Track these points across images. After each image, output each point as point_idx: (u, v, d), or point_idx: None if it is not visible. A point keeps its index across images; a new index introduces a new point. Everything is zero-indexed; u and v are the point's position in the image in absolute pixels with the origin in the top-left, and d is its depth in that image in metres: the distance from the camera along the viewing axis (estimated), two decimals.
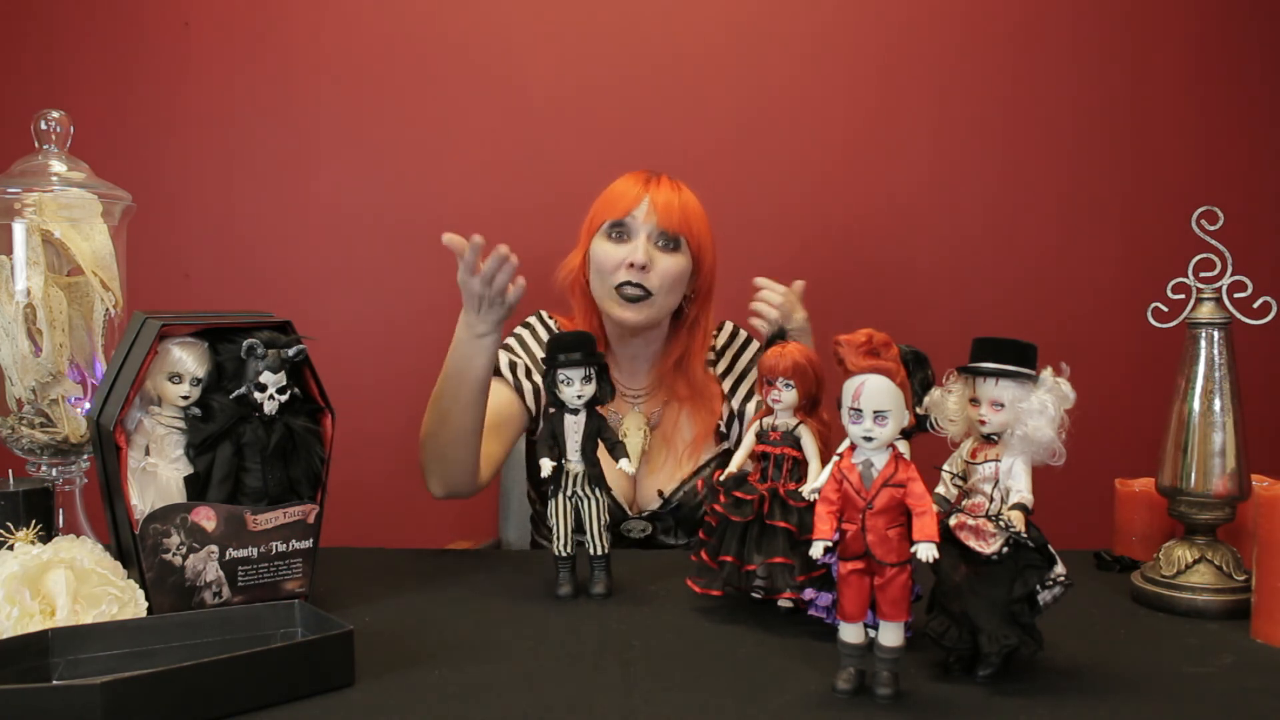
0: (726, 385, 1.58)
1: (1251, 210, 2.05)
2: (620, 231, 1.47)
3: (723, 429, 1.56)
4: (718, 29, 2.06)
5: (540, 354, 1.57)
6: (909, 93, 2.07)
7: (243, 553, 1.02)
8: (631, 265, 1.44)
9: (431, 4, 2.05)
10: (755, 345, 1.63)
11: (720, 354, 1.62)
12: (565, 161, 2.04)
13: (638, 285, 1.44)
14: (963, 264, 2.09)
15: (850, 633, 0.84)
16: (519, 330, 1.61)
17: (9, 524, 1.01)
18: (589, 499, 1.14)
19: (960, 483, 0.92)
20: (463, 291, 1.31)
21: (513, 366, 1.55)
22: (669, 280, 1.46)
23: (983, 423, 0.90)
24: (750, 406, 1.56)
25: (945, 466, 0.94)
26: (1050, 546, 0.89)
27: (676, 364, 1.54)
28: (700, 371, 1.55)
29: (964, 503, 0.91)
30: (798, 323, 1.47)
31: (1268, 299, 1.08)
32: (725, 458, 1.54)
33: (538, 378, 1.55)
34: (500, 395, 1.52)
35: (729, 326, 1.65)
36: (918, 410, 0.95)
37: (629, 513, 1.51)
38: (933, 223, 2.08)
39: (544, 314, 1.63)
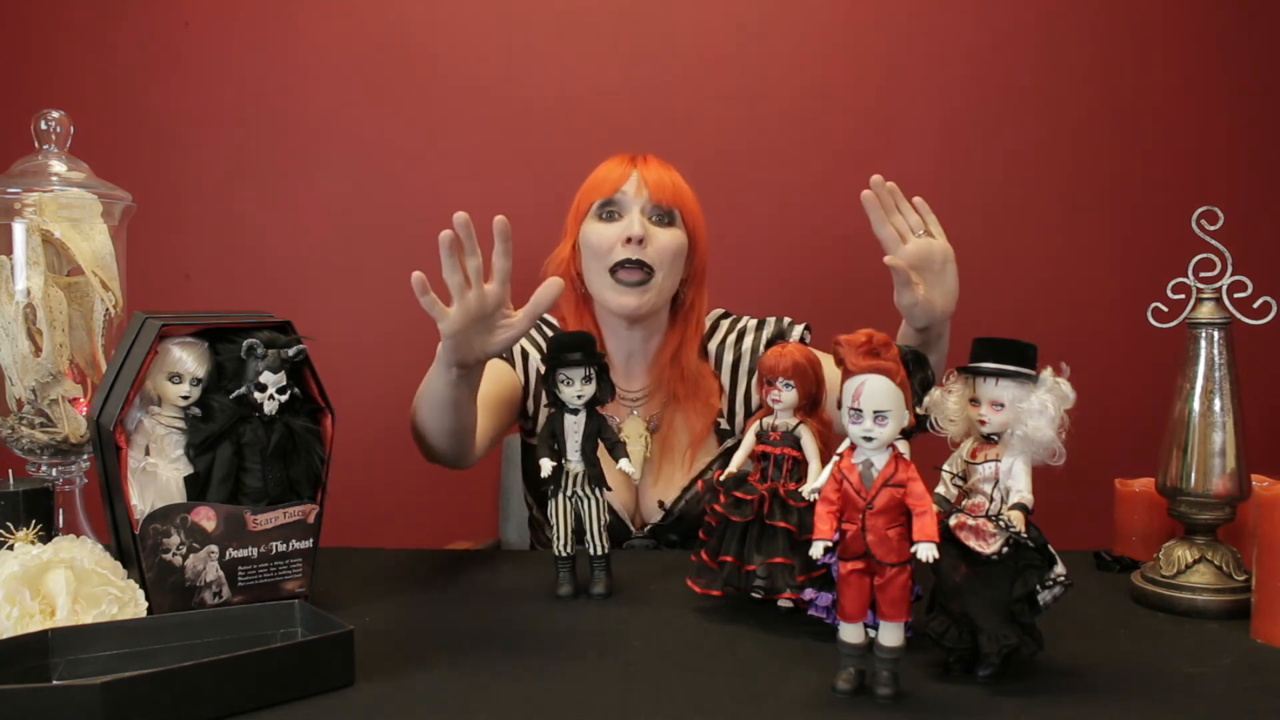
0: (725, 377, 1.50)
1: (1251, 210, 2.05)
2: (611, 210, 1.38)
3: (724, 425, 1.48)
4: (718, 29, 2.06)
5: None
6: (910, 92, 2.07)
7: (243, 553, 1.02)
8: (629, 240, 1.34)
9: (432, 5, 2.05)
10: (752, 327, 1.52)
11: (721, 345, 1.51)
12: (566, 164, 2.04)
13: (636, 262, 1.35)
14: (962, 264, 2.07)
15: (850, 633, 0.84)
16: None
17: (9, 524, 1.01)
18: (589, 499, 1.14)
19: (960, 483, 0.92)
20: (452, 312, 1.12)
21: (522, 355, 1.50)
22: (668, 255, 1.37)
23: (983, 423, 0.90)
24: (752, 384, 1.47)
25: (945, 466, 0.94)
26: (1050, 546, 0.89)
27: (673, 358, 1.45)
28: (694, 362, 1.45)
29: (964, 503, 0.91)
30: (935, 269, 1.38)
31: (1268, 299, 1.08)
32: (726, 458, 1.51)
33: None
34: (503, 376, 1.47)
35: (718, 314, 1.55)
36: (918, 410, 0.95)
37: (632, 528, 1.45)
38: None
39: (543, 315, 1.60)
